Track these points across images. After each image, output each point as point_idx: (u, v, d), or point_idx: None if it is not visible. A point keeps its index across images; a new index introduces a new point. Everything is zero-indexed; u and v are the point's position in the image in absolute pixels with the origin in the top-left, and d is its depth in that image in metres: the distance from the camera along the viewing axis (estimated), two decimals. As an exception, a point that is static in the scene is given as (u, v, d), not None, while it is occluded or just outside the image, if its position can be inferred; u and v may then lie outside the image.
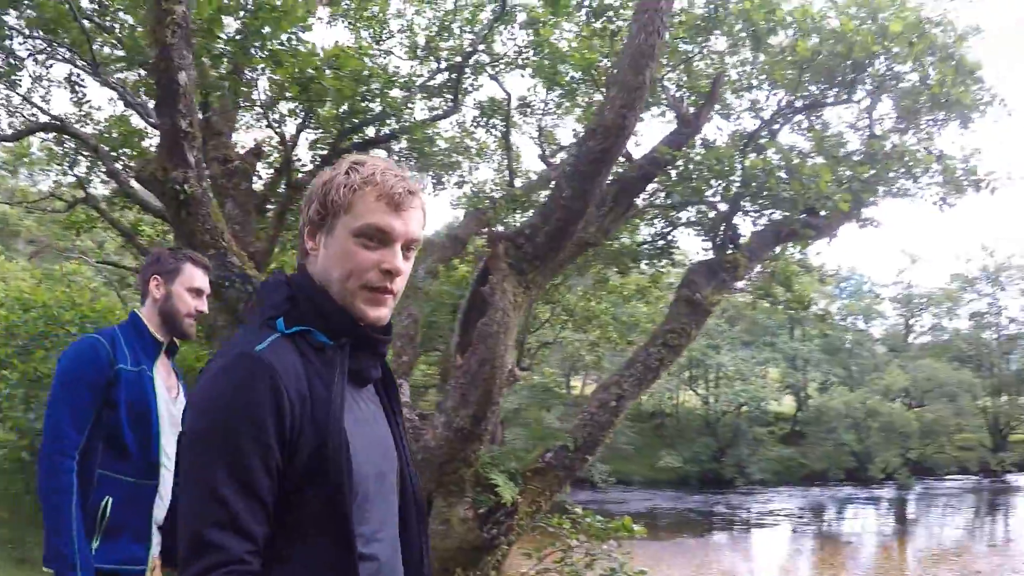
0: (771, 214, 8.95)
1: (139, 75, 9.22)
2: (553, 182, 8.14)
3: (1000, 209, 73.07)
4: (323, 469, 1.40)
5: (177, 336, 2.97)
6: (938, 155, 8.56)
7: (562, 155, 11.17)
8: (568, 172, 6.76)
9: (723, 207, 9.02)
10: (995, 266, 39.46)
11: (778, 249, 9.31)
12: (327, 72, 8.51)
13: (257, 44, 7.93)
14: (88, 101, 10.21)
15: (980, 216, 76.16)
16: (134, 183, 8.71)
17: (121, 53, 8.83)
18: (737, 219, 9.02)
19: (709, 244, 9.17)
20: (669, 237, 10.90)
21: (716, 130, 11.69)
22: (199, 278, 2.95)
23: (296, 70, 8.31)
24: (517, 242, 6.84)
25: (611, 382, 8.04)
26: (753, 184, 8.25)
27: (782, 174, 8.19)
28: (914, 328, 42.98)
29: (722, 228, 8.90)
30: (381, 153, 10.80)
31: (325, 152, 10.50)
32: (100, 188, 11.84)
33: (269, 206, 10.68)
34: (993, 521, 26.14)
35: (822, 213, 8.41)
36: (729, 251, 8.62)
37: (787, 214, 8.54)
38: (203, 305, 2.98)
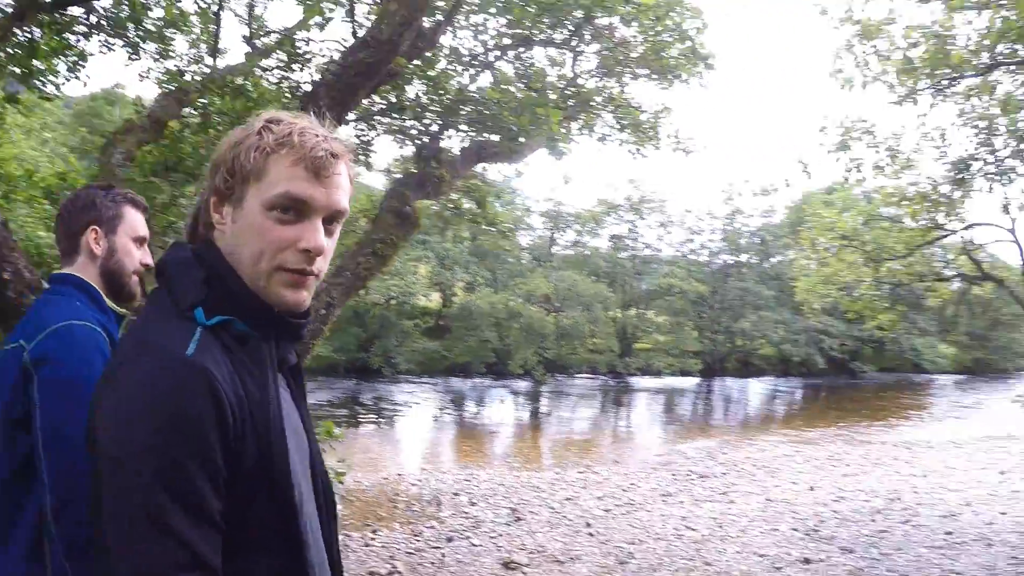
0: (476, 135, 9.04)
1: None
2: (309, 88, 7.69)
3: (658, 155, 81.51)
4: (269, 479, 1.26)
5: (123, 302, 2.29)
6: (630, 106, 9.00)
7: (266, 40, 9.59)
8: (330, 81, 6.49)
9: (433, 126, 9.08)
10: (638, 197, 43.25)
11: (480, 167, 9.62)
12: None
13: None
14: None
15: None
16: None
17: None
18: (446, 136, 9.18)
19: (412, 155, 9.28)
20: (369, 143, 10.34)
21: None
22: (141, 224, 2.37)
23: None
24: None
25: (319, 290, 6.73)
26: (466, 106, 8.45)
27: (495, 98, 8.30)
28: (558, 242, 45.53)
29: (427, 141, 8.95)
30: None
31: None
32: None
33: None
34: (617, 416, 28.42)
35: (521, 139, 8.54)
36: (433, 167, 8.68)
37: (492, 136, 8.67)
38: (148, 257, 2.35)
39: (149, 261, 2.39)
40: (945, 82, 7.83)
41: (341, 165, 1.36)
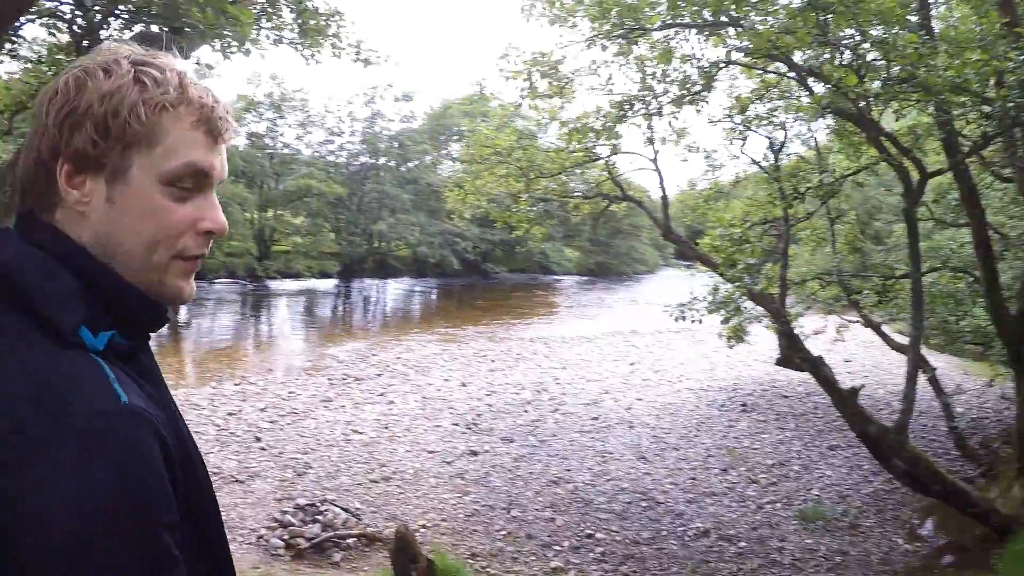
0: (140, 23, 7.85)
1: None
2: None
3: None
4: (196, 501, 1.06)
5: None
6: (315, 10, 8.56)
7: None
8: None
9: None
10: (279, 95, 41.44)
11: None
12: None
13: None
14: None
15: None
16: None
17: None
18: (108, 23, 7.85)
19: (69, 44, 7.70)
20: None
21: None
22: None
23: None
24: None
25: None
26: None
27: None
28: (191, 138, 42.32)
29: (81, 23, 7.53)
30: None
31: None
32: None
33: None
34: (260, 322, 27.67)
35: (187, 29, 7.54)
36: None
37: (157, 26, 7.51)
38: None
39: None
40: (633, 35, 8.56)
41: (232, 124, 1.14)
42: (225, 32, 7.16)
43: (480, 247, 44.58)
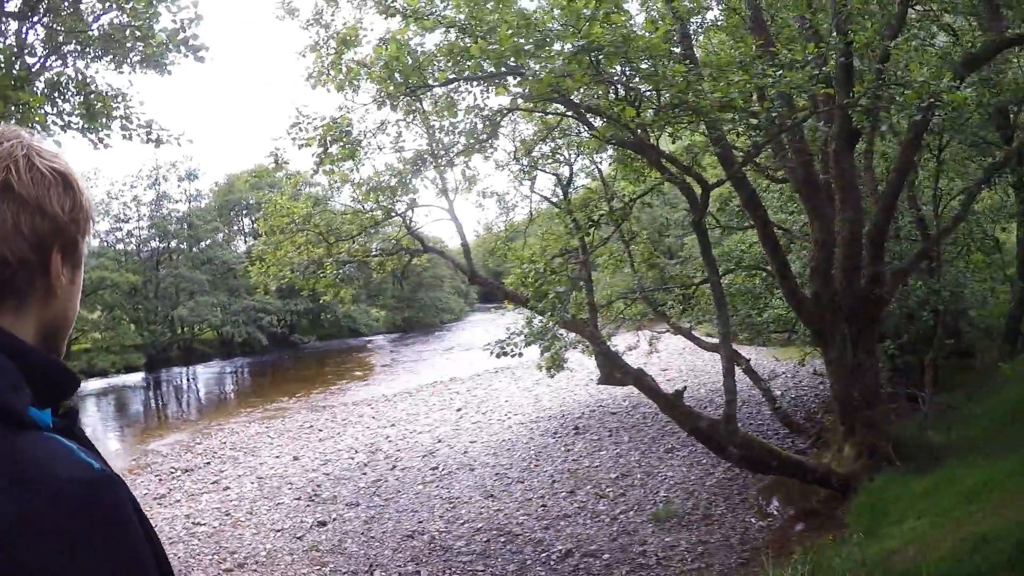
0: None
1: None
2: None
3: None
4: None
5: None
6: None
7: None
8: None
9: None
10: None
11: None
12: None
13: None
14: None
15: None
16: None
17: None
18: None
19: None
20: None
21: None
22: None
23: None
24: None
25: None
26: None
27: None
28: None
29: None
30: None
31: None
32: None
33: None
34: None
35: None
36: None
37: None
38: None
39: None
40: (418, 92, 8.86)
41: None
42: (13, 118, 6.81)
43: (285, 319, 43.47)
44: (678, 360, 20.32)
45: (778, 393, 13.74)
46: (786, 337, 17.94)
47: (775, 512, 10.13)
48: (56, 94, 7.55)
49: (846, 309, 9.66)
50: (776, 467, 9.41)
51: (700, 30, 11.50)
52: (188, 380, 35.17)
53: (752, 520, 9.78)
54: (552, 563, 8.90)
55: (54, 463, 0.97)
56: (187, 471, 14.79)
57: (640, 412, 15.44)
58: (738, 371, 9.81)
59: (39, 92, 7.31)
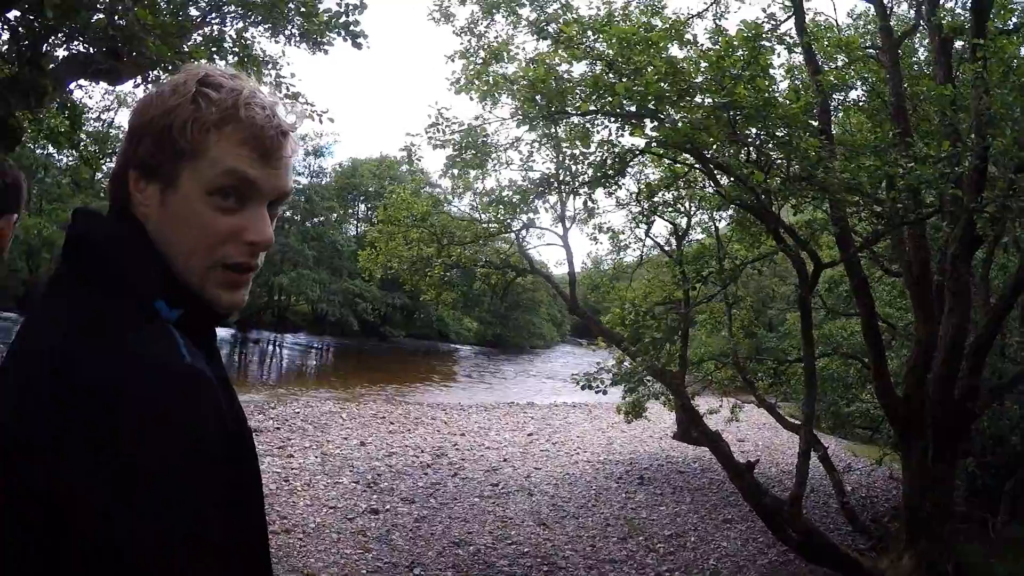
0: (79, 44, 7.97)
1: None
2: None
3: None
4: (245, 499, 1.10)
5: None
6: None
7: None
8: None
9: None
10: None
11: (83, 82, 8.75)
12: None
13: None
14: None
15: None
16: None
17: None
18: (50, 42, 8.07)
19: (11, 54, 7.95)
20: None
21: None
22: None
23: None
24: None
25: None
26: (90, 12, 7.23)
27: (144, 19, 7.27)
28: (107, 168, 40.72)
29: (27, 44, 7.68)
30: None
31: None
32: None
33: None
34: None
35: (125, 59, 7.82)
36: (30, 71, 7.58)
37: (95, 48, 7.74)
38: None
39: None
40: (556, 117, 9.06)
41: (291, 142, 1.21)
42: (172, 67, 7.26)
43: (380, 309, 44.30)
44: (756, 434, 19.82)
45: (849, 488, 13.26)
46: (869, 434, 17.30)
47: (822, 606, 9.77)
48: (216, 50, 8.00)
49: (935, 417, 9.29)
50: (832, 561, 9.08)
51: (840, 107, 11.32)
52: (275, 346, 36.31)
53: (797, 609, 9.48)
54: (590, 604, 8.83)
55: (147, 347, 1.02)
56: (256, 432, 15.27)
57: (707, 476, 15.14)
58: (813, 457, 9.53)
59: (199, 46, 7.77)
